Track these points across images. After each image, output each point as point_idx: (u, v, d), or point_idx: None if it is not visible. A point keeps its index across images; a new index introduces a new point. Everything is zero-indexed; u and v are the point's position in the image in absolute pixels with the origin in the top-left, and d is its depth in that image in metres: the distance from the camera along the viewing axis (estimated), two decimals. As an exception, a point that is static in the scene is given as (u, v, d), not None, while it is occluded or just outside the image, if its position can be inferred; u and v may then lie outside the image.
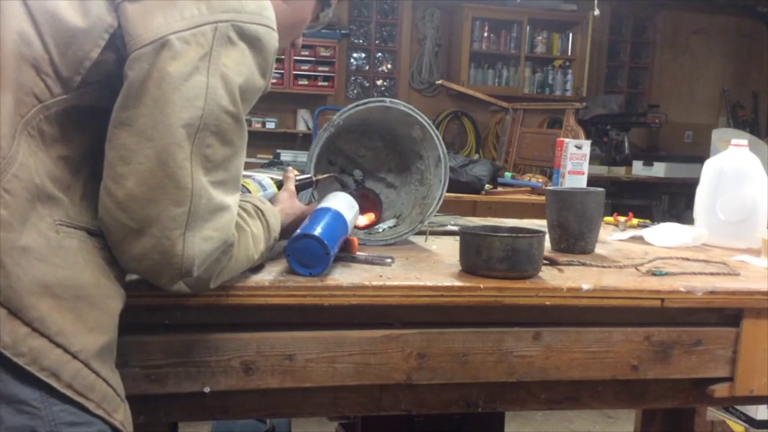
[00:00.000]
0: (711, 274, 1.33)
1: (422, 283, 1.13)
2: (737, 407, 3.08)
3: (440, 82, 6.21)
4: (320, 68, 6.05)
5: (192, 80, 0.88)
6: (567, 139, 1.98)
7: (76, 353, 0.85)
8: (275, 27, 0.97)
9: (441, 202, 1.50)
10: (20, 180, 0.84)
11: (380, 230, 1.53)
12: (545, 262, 1.27)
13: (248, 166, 1.18)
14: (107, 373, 0.89)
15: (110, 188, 0.89)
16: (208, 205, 0.91)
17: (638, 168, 5.67)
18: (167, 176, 0.88)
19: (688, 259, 1.45)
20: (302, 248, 1.13)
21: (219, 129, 0.91)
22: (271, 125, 6.10)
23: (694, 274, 1.32)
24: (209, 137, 0.90)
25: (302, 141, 6.18)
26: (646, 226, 1.83)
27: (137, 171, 0.87)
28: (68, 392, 0.84)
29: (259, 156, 5.28)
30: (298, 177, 1.37)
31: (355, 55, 6.70)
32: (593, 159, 5.44)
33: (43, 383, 0.83)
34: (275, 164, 3.84)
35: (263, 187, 1.33)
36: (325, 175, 1.47)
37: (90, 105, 0.91)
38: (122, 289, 0.94)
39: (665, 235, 1.66)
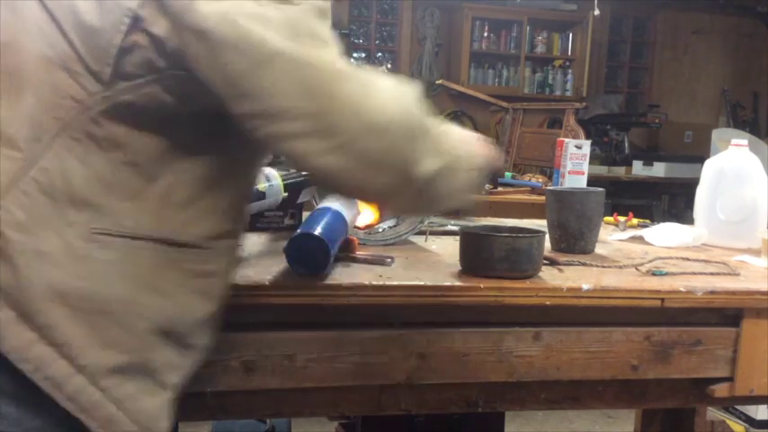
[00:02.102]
0: (711, 274, 1.33)
1: (422, 283, 1.13)
2: (737, 407, 3.08)
3: (440, 82, 6.21)
4: (320, 68, 6.04)
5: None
6: (567, 139, 1.97)
7: (82, 367, 0.82)
8: None
9: (441, 202, 1.50)
10: (38, 183, 0.82)
11: (380, 230, 1.53)
12: (545, 262, 1.27)
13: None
14: (123, 395, 0.84)
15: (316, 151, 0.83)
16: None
17: (638, 168, 5.67)
18: (326, 95, 0.83)
19: (688, 259, 1.45)
20: (302, 248, 1.13)
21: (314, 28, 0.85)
22: (271, 125, 6.09)
23: (694, 274, 1.32)
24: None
25: (302, 141, 6.17)
26: (646, 226, 1.83)
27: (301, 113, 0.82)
28: (70, 406, 0.81)
29: (259, 156, 5.27)
30: (303, 174, 1.37)
31: (355, 55, 6.69)
32: (593, 159, 5.44)
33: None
34: (276, 163, 3.84)
35: (268, 179, 1.33)
36: None
37: (154, 109, 0.85)
38: (190, 309, 0.90)
39: (665, 235, 1.66)
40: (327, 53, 0.84)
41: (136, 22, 0.82)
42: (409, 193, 0.92)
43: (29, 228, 0.81)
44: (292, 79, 0.81)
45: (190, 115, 0.88)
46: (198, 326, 0.92)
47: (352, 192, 0.94)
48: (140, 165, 0.86)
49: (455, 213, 1.13)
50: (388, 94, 0.88)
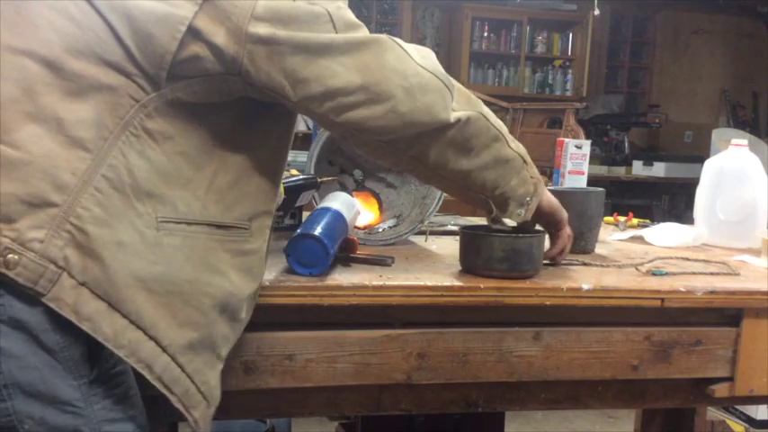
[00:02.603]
0: (711, 274, 1.33)
1: (422, 283, 1.13)
2: (737, 407, 3.08)
3: (440, 82, 6.20)
4: (320, 68, 6.03)
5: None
6: (567, 139, 1.97)
7: (166, 347, 0.88)
8: None
9: (441, 202, 1.50)
10: (108, 180, 0.87)
11: (380, 230, 1.53)
12: (545, 262, 1.27)
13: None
14: (193, 369, 0.91)
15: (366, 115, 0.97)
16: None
17: (638, 168, 5.67)
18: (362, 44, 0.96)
19: (688, 259, 1.45)
20: (302, 248, 1.13)
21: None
22: (271, 125, 6.08)
23: (694, 274, 1.32)
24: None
25: (302, 141, 6.17)
26: (646, 226, 1.83)
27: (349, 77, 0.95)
28: (158, 384, 0.87)
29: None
30: (302, 177, 1.37)
31: (355, 55, 6.69)
32: (593, 159, 5.44)
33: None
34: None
35: None
36: (329, 178, 1.47)
37: (196, 102, 0.92)
38: (239, 286, 0.96)
39: (665, 235, 1.66)
40: (363, 33, 0.98)
41: (194, 33, 0.88)
42: (445, 140, 1.05)
43: (107, 222, 0.86)
44: (344, 61, 0.94)
45: (229, 106, 0.95)
46: (245, 301, 0.99)
47: (398, 147, 1.04)
48: (189, 154, 0.92)
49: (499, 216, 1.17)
50: (419, 57, 1.01)
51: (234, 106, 0.96)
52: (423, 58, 1.02)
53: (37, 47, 0.87)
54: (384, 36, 0.99)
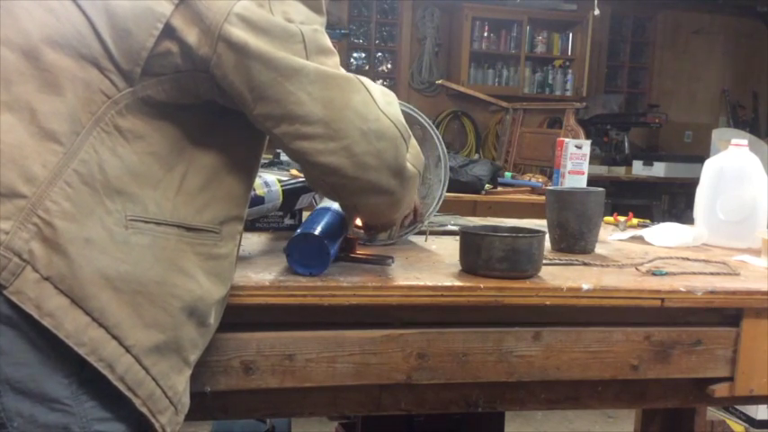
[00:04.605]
0: (711, 274, 1.33)
1: (422, 283, 1.13)
2: (737, 407, 3.09)
3: (440, 82, 6.21)
4: (320, 68, 6.02)
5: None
6: (567, 139, 1.98)
7: (129, 347, 0.86)
8: None
9: (441, 202, 1.50)
10: (79, 175, 0.86)
11: (380, 230, 1.53)
12: (545, 262, 1.27)
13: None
14: (159, 372, 0.89)
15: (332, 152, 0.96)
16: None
17: (638, 168, 5.68)
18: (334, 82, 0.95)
19: (688, 259, 1.45)
20: (302, 248, 1.13)
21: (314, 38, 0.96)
22: (271, 125, 6.08)
23: (694, 273, 1.32)
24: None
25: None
26: (646, 226, 1.83)
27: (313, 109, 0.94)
28: (120, 385, 0.86)
29: (259, 156, 5.27)
30: (301, 179, 1.37)
31: (355, 55, 6.69)
32: (593, 159, 5.44)
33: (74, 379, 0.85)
34: (275, 164, 3.83)
35: (268, 184, 1.33)
36: None
37: (167, 102, 0.92)
38: (209, 290, 0.95)
39: (665, 235, 1.66)
40: (334, 62, 0.98)
41: (169, 31, 0.89)
42: (389, 192, 1.05)
43: (75, 217, 0.85)
44: (311, 91, 0.94)
45: (199, 107, 0.95)
46: (214, 306, 0.98)
47: (342, 189, 1.03)
48: (160, 154, 0.92)
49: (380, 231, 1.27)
50: (383, 103, 1.01)
51: (204, 108, 0.95)
52: (387, 104, 1.02)
53: (14, 36, 0.87)
54: (354, 76, 0.99)
